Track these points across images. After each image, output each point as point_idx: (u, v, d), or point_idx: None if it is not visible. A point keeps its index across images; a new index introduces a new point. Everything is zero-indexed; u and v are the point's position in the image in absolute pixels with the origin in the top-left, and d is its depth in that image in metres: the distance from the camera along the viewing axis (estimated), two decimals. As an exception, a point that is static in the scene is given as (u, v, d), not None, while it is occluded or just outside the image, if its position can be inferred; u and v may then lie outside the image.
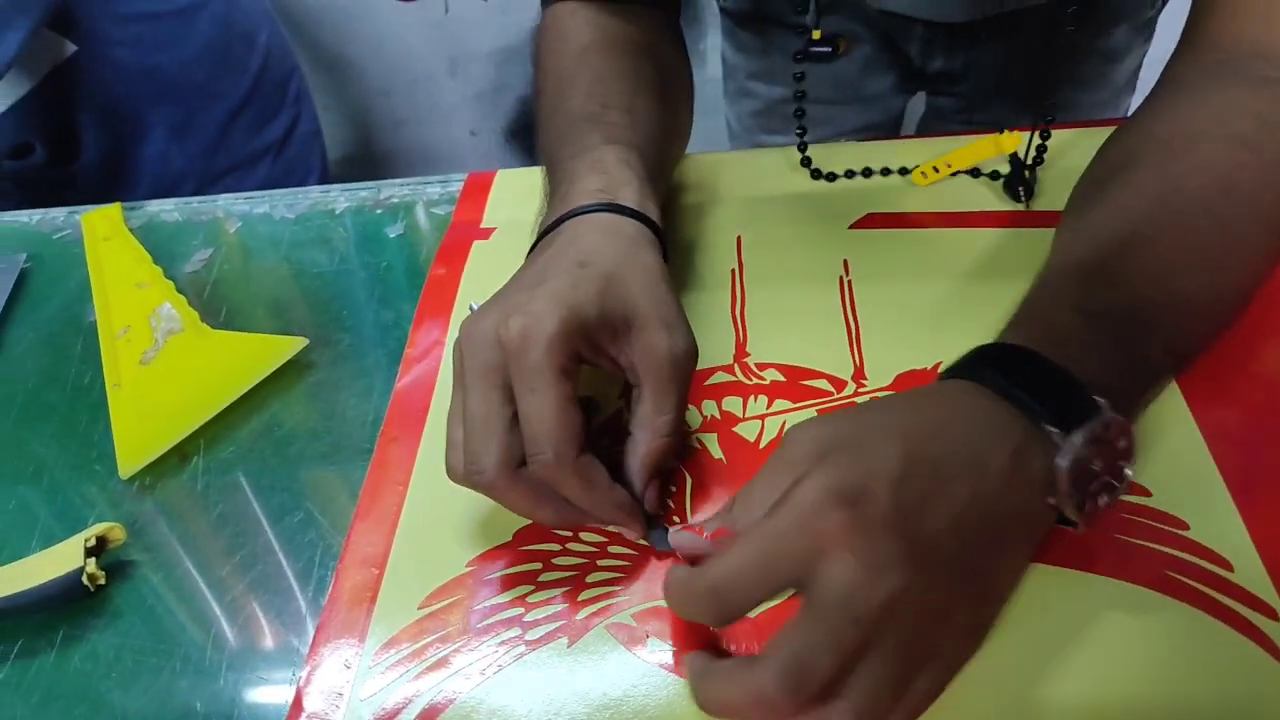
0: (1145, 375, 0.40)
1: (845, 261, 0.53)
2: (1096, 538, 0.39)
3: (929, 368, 0.47)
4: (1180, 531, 0.39)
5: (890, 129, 0.89)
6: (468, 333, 0.40)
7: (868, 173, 0.58)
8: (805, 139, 0.58)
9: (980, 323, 0.49)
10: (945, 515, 0.32)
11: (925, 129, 0.90)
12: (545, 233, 0.45)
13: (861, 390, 0.47)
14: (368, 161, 1.61)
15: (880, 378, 0.47)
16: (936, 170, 0.57)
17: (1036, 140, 0.54)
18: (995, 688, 0.35)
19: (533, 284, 0.40)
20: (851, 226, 0.56)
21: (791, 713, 0.31)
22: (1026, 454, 0.34)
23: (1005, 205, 0.56)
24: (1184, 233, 0.42)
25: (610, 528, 0.42)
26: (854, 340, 0.49)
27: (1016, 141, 0.57)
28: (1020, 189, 0.55)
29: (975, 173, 0.57)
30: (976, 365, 0.37)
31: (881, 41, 0.78)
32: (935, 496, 0.32)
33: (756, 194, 0.59)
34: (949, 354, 0.47)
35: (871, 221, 0.56)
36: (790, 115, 0.84)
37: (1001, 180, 0.56)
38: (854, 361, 0.48)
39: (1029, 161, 0.55)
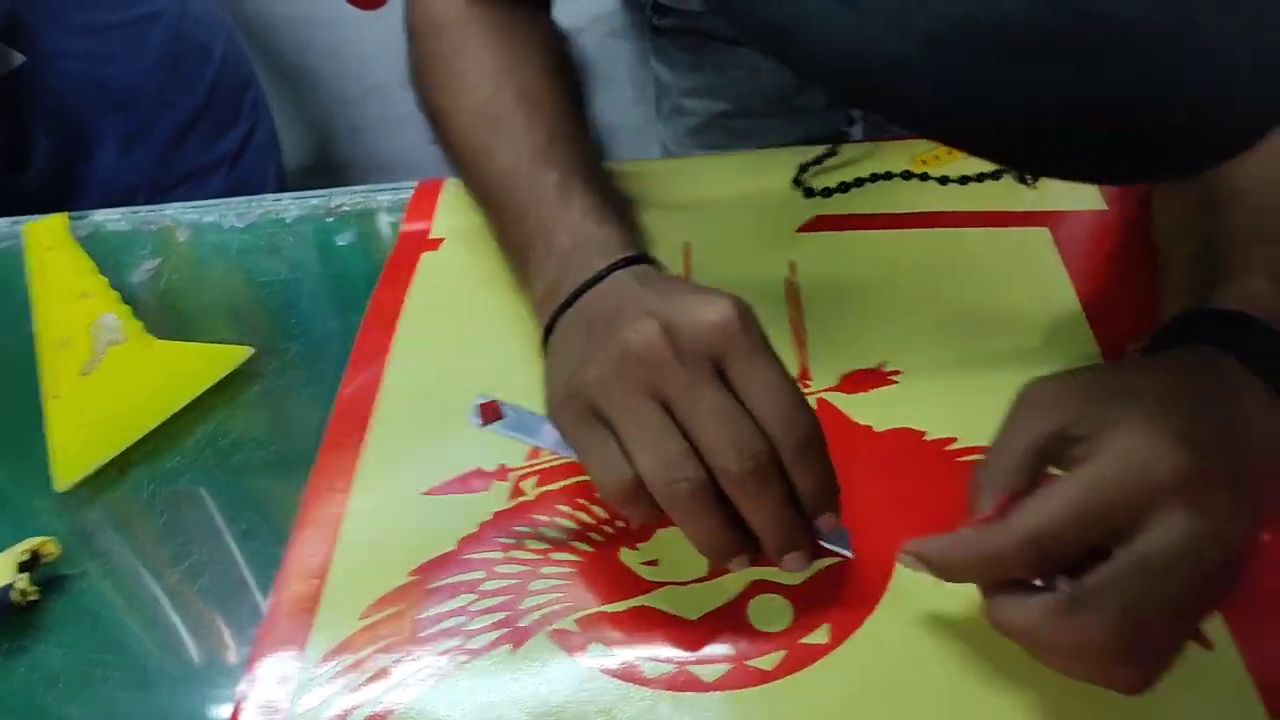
0: None
1: (793, 264, 0.53)
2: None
3: (874, 367, 0.48)
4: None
5: (828, 141, 0.89)
6: (638, 338, 0.35)
7: (859, 183, 0.58)
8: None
9: (924, 320, 0.50)
10: (1239, 468, 0.32)
11: (876, 134, 0.90)
12: (582, 288, 0.41)
13: (806, 390, 0.47)
14: (327, 170, 1.59)
15: (825, 378, 0.47)
16: (937, 159, 0.57)
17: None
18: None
19: (667, 294, 0.37)
20: (799, 230, 0.56)
21: (1108, 662, 0.30)
22: (1273, 414, 0.34)
23: (952, 205, 0.56)
24: None
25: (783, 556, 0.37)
26: (799, 342, 0.49)
27: None
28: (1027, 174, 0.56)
29: (981, 176, 0.57)
30: (1201, 332, 0.37)
31: None
32: (1229, 452, 0.32)
33: (700, 200, 0.59)
34: (893, 353, 0.48)
35: (819, 224, 0.56)
36: (729, 129, 0.84)
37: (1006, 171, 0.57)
38: (799, 362, 0.48)
39: None
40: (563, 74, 0.54)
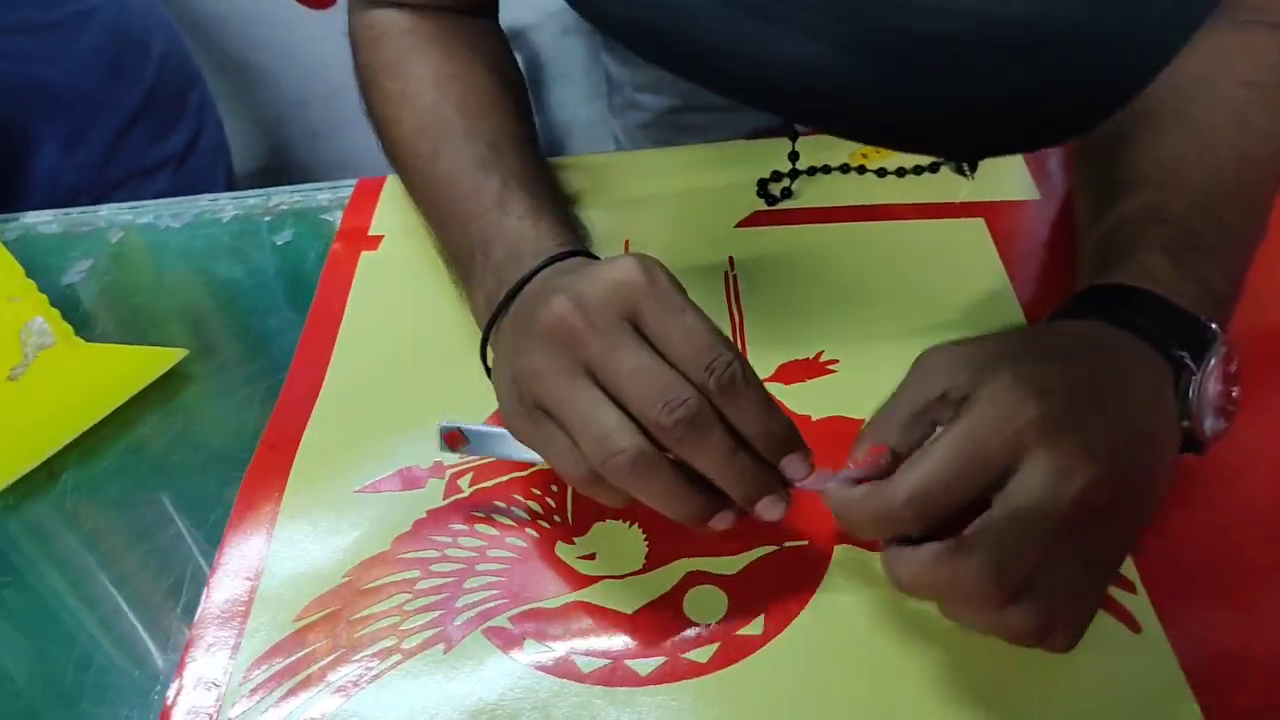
0: (1215, 302, 0.40)
1: (731, 258, 0.54)
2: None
3: (810, 357, 0.48)
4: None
5: (781, 133, 0.89)
6: (550, 316, 0.35)
7: (827, 169, 0.58)
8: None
9: (861, 311, 0.50)
10: (1114, 420, 0.33)
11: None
12: (514, 291, 0.41)
13: (744, 384, 0.47)
14: (283, 173, 1.57)
15: (762, 369, 0.47)
16: (879, 151, 0.58)
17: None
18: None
19: (578, 271, 0.37)
20: (738, 225, 0.56)
21: (987, 601, 0.31)
22: (1163, 381, 0.35)
23: (888, 199, 0.57)
24: (1213, 168, 0.43)
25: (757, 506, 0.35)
26: (738, 332, 0.49)
27: None
28: (965, 164, 0.57)
29: (918, 169, 0.57)
30: (1090, 304, 0.38)
31: None
32: (1101, 404, 0.33)
33: (642, 196, 0.59)
34: (830, 344, 0.48)
35: (757, 219, 0.56)
36: (681, 125, 0.85)
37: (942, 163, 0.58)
38: (737, 355, 0.48)
39: None
40: (506, 81, 0.54)
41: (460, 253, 0.47)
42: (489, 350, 0.43)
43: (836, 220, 0.56)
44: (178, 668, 0.39)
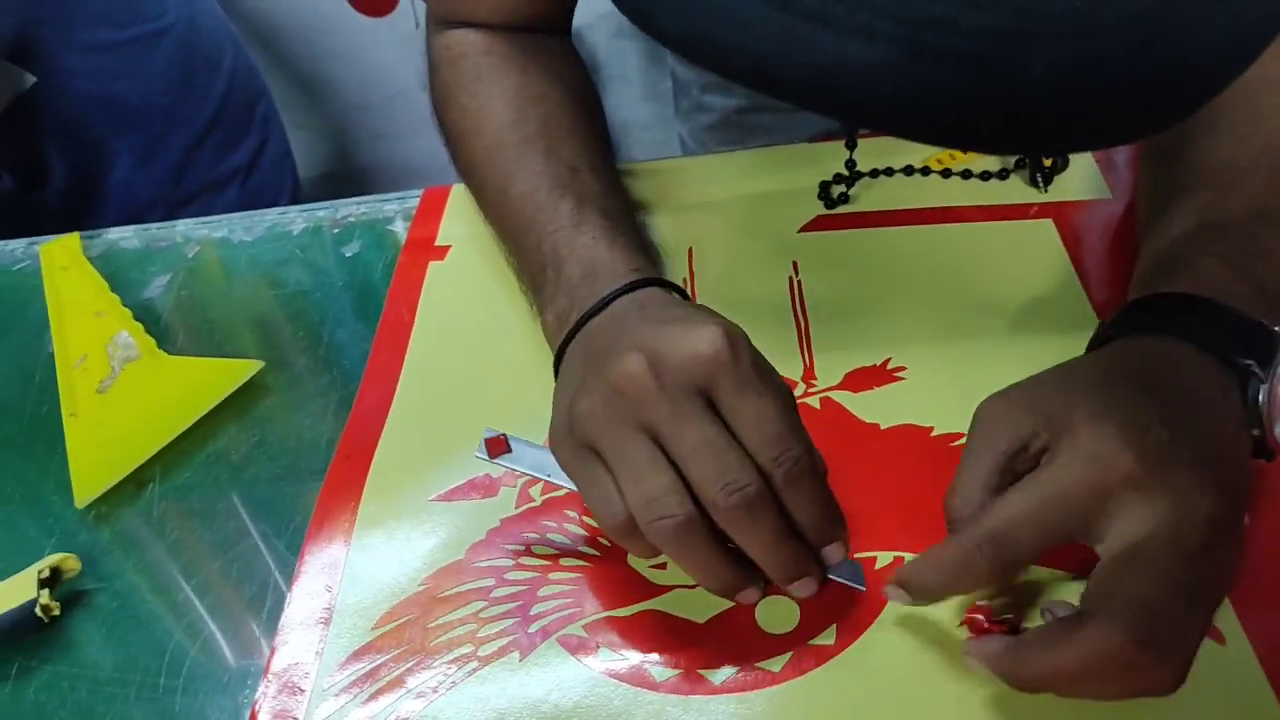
0: (1276, 306, 0.39)
1: (795, 263, 0.53)
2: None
3: (878, 364, 0.48)
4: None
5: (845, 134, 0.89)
6: (623, 373, 0.35)
7: (890, 171, 0.58)
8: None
9: (929, 316, 0.50)
10: (1207, 445, 0.32)
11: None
12: (589, 315, 0.41)
13: (811, 390, 0.47)
14: (346, 178, 1.60)
15: (830, 376, 0.47)
16: (953, 157, 0.58)
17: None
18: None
19: (660, 322, 0.37)
20: (801, 230, 0.56)
21: (1135, 664, 0.30)
22: (1229, 390, 0.35)
23: (953, 201, 0.56)
24: (1271, 168, 0.42)
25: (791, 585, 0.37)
26: (804, 340, 0.49)
27: None
28: (1039, 176, 0.56)
29: (985, 175, 0.57)
30: (1147, 315, 0.38)
31: None
32: (1189, 431, 0.32)
33: (704, 201, 0.59)
34: (898, 350, 0.48)
35: (820, 224, 0.56)
36: (747, 125, 0.85)
37: (1013, 170, 0.57)
38: (804, 361, 0.48)
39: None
40: (584, 102, 0.55)
41: (532, 268, 0.47)
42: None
43: (901, 223, 0.55)
44: (264, 671, 0.40)
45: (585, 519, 0.44)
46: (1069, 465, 0.31)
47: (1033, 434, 0.33)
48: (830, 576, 0.37)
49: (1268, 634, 0.36)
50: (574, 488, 0.39)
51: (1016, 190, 0.56)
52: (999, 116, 0.27)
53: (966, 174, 0.57)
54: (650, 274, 0.43)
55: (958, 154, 0.58)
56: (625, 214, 0.48)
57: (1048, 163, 0.55)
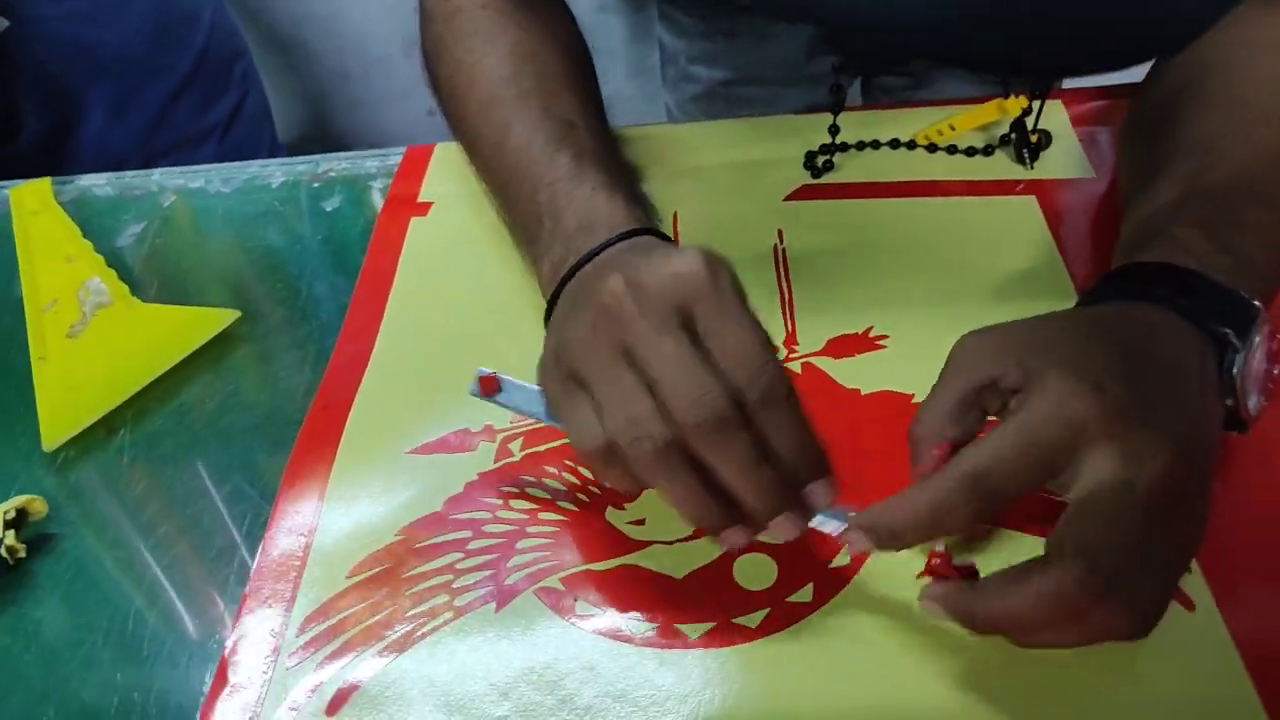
0: (1256, 278, 0.40)
1: (780, 231, 0.53)
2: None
3: (859, 332, 0.48)
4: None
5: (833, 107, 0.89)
6: (603, 293, 0.35)
7: (876, 144, 0.58)
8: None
9: (911, 287, 0.50)
10: (1173, 403, 0.32)
11: (872, 105, 0.90)
12: (583, 262, 0.41)
13: (793, 355, 0.47)
14: (324, 143, 1.58)
15: (811, 342, 0.47)
16: (940, 134, 0.58)
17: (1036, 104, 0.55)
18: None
19: (647, 253, 0.37)
20: (786, 199, 0.56)
21: (1089, 605, 0.30)
22: (1206, 359, 0.35)
23: (938, 175, 0.56)
24: (1254, 144, 0.43)
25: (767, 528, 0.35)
26: (787, 306, 0.49)
27: (1022, 105, 0.57)
28: (1025, 153, 0.56)
29: (970, 150, 0.57)
30: (1127, 283, 0.38)
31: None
32: (1158, 388, 0.32)
33: (691, 168, 0.58)
34: (880, 318, 0.48)
35: (805, 193, 0.56)
36: (733, 98, 0.85)
37: (999, 146, 0.57)
38: (786, 327, 0.48)
39: (1033, 126, 0.56)
40: (580, 60, 0.54)
41: (527, 219, 0.46)
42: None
43: (886, 195, 0.55)
44: (235, 620, 0.40)
45: (565, 475, 0.44)
46: (1040, 411, 0.32)
47: (1003, 372, 0.33)
48: (815, 525, 0.35)
49: (1239, 604, 0.37)
50: (558, 424, 0.37)
51: (1001, 166, 0.56)
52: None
53: (952, 149, 0.57)
54: (647, 225, 0.42)
55: (944, 129, 0.58)
56: (622, 169, 0.48)
57: (1034, 139, 0.56)
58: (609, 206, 0.43)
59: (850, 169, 0.57)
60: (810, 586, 0.38)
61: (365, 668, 0.38)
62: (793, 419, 0.34)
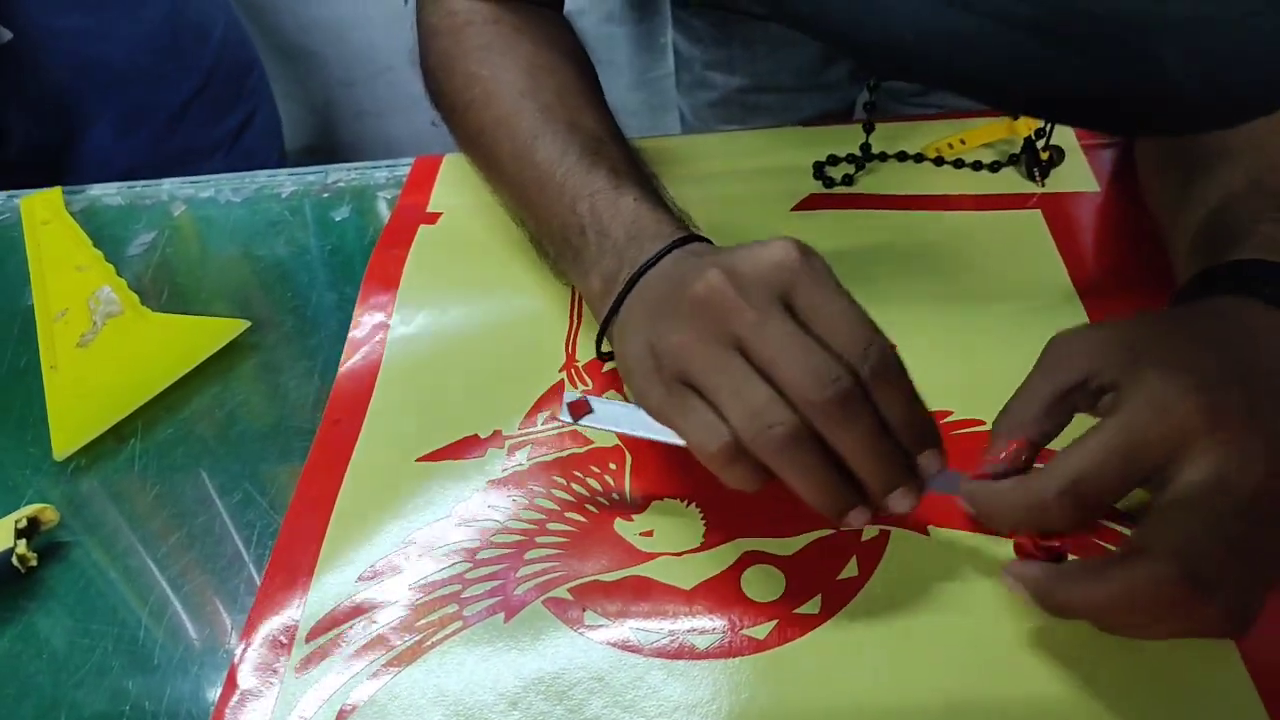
0: None
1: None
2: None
3: (867, 345, 0.48)
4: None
5: (844, 118, 0.90)
6: (703, 287, 0.34)
7: (884, 156, 0.59)
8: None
9: (916, 299, 0.50)
10: (1267, 402, 0.32)
11: (883, 113, 0.90)
12: (643, 271, 0.40)
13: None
14: (329, 152, 1.59)
15: (819, 355, 0.48)
16: (951, 147, 0.59)
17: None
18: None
19: (727, 250, 0.37)
20: (794, 209, 0.56)
21: (1178, 603, 0.30)
22: None
23: (944, 189, 0.56)
24: None
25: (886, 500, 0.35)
26: (794, 319, 0.50)
27: (1034, 125, 0.57)
28: (1035, 170, 0.56)
29: (977, 165, 0.57)
30: (1218, 283, 0.37)
31: None
32: (1262, 386, 0.32)
33: (698, 177, 0.59)
34: (886, 331, 0.48)
35: (813, 203, 0.56)
36: (748, 105, 0.85)
37: (1005, 164, 0.57)
38: (794, 340, 0.48)
39: (1044, 144, 0.56)
40: (592, 75, 0.54)
41: (566, 231, 0.45)
42: (611, 332, 0.42)
43: (892, 208, 0.56)
44: (245, 628, 0.40)
45: (573, 484, 0.44)
46: (1141, 412, 0.31)
47: (1095, 372, 0.33)
48: (932, 489, 0.35)
49: (1255, 636, 0.36)
50: (670, 438, 0.36)
51: (1009, 181, 0.57)
52: (1137, 101, 0.27)
53: (959, 163, 0.57)
54: (694, 233, 0.42)
55: (954, 143, 0.58)
56: (656, 183, 0.48)
57: (1044, 156, 0.56)
58: (654, 217, 0.43)
59: (858, 180, 0.58)
60: (819, 598, 0.38)
61: (374, 678, 0.38)
62: (906, 389, 0.34)
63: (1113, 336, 0.35)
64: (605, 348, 0.44)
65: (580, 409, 0.39)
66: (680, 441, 0.36)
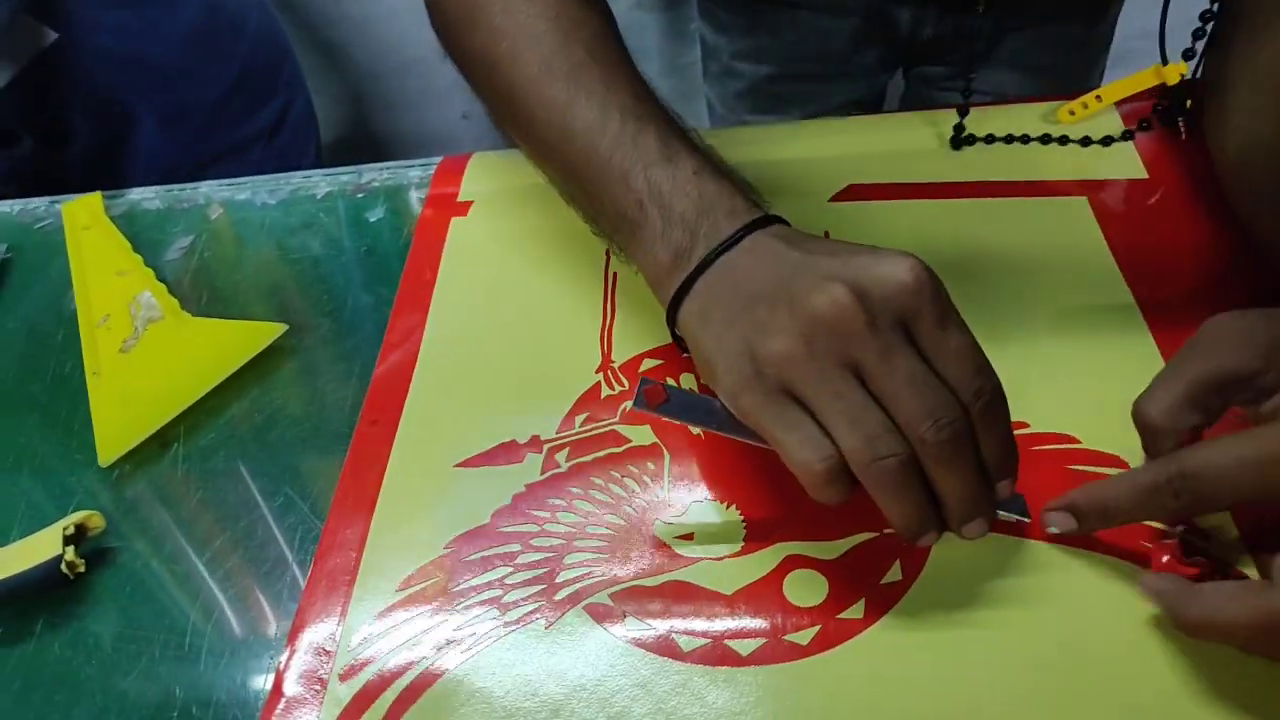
0: None
1: (826, 232, 0.53)
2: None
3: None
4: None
5: (874, 105, 0.88)
6: (829, 305, 0.33)
7: (1009, 139, 0.57)
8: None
9: (961, 291, 0.48)
10: None
11: (913, 101, 0.89)
12: (718, 251, 0.39)
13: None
14: (361, 145, 1.60)
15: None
16: (1086, 106, 0.57)
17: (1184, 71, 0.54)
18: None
19: (836, 254, 0.36)
20: (832, 199, 0.55)
21: None
22: None
23: (987, 175, 0.55)
24: None
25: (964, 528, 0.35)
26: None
27: (1181, 70, 0.55)
28: (1180, 119, 0.54)
29: (1086, 140, 0.56)
30: None
31: (871, 13, 0.77)
32: None
33: (735, 166, 0.58)
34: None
35: (852, 194, 0.55)
36: (776, 94, 0.84)
37: (1152, 117, 0.56)
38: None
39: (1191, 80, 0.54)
40: (616, 27, 0.51)
41: (622, 206, 0.43)
42: (682, 311, 0.40)
43: (934, 197, 0.54)
44: (290, 634, 0.40)
45: (611, 486, 0.43)
46: None
47: (1260, 370, 0.32)
48: (1000, 513, 0.36)
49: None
50: (751, 440, 0.36)
51: (1051, 166, 0.55)
52: None
53: (1064, 140, 0.56)
54: (765, 211, 0.41)
55: (1090, 102, 0.57)
56: (702, 143, 0.45)
57: (1189, 103, 0.53)
58: (718, 188, 0.41)
59: (895, 170, 0.56)
60: (862, 603, 0.38)
61: (417, 682, 0.38)
62: (1006, 427, 0.35)
63: (1276, 327, 0.33)
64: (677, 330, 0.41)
65: (656, 397, 0.38)
66: (762, 444, 0.36)
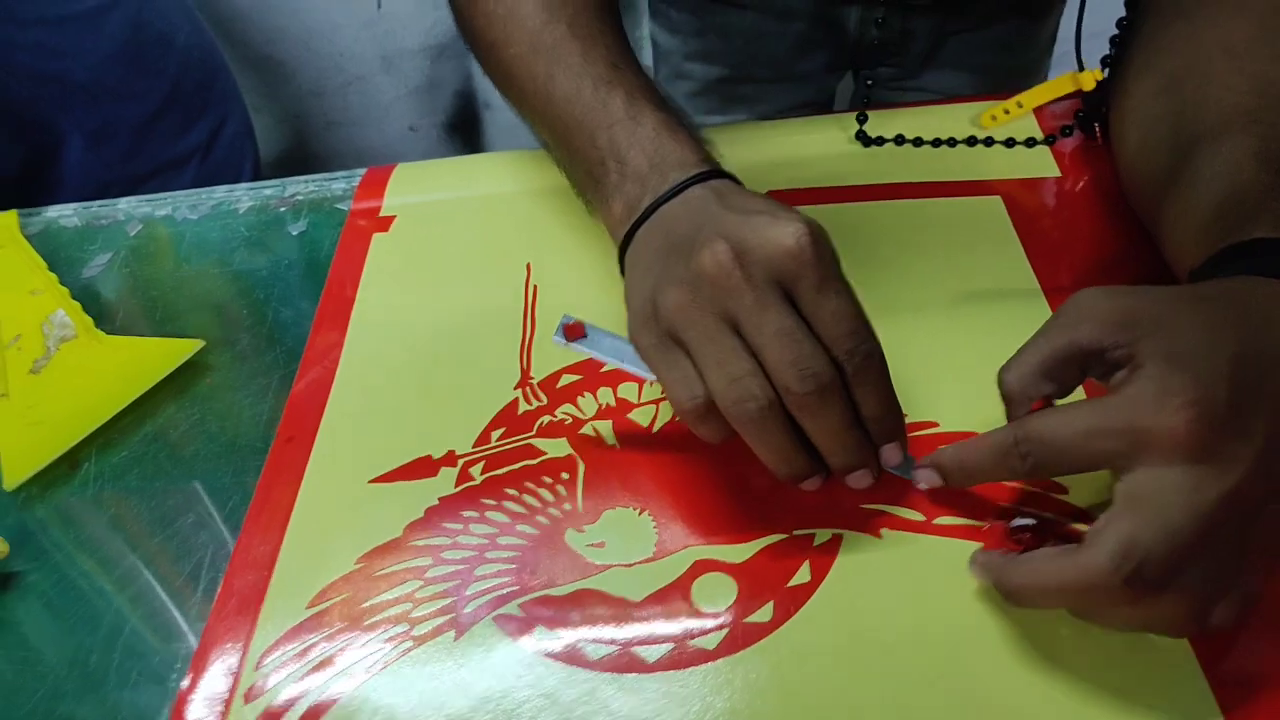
0: None
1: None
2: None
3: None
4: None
5: (824, 106, 0.89)
6: (710, 260, 0.36)
7: (918, 142, 0.58)
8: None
9: (877, 291, 0.49)
10: (1270, 411, 0.32)
11: (861, 102, 0.89)
12: (661, 200, 0.42)
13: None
14: (303, 162, 1.58)
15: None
16: (1007, 112, 0.58)
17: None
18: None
19: (744, 213, 0.37)
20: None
21: (1120, 598, 0.31)
22: None
23: (903, 177, 0.56)
24: None
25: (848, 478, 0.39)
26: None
27: (1097, 76, 0.57)
28: (1095, 125, 0.57)
29: (1010, 143, 0.57)
30: (1253, 261, 0.36)
31: (816, 16, 0.77)
32: (1260, 394, 0.32)
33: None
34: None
35: (790, 198, 0.55)
36: (727, 96, 0.84)
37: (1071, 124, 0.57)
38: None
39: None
40: (608, 5, 0.53)
41: (588, 165, 0.46)
42: (626, 257, 0.43)
43: (852, 199, 0.55)
44: (195, 654, 0.40)
45: (525, 497, 0.43)
46: (1134, 403, 0.31)
47: (1114, 344, 0.33)
48: (890, 470, 0.39)
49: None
50: (646, 375, 0.40)
51: (965, 166, 0.56)
52: None
53: (990, 141, 0.57)
54: (717, 166, 0.43)
55: (1011, 108, 0.58)
56: (673, 105, 0.47)
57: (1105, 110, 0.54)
58: (674, 143, 0.43)
59: (815, 174, 0.57)
60: (770, 605, 0.38)
61: (323, 700, 0.37)
62: (883, 389, 0.37)
63: (1137, 309, 0.33)
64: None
65: (575, 332, 0.42)
66: (651, 377, 0.39)
